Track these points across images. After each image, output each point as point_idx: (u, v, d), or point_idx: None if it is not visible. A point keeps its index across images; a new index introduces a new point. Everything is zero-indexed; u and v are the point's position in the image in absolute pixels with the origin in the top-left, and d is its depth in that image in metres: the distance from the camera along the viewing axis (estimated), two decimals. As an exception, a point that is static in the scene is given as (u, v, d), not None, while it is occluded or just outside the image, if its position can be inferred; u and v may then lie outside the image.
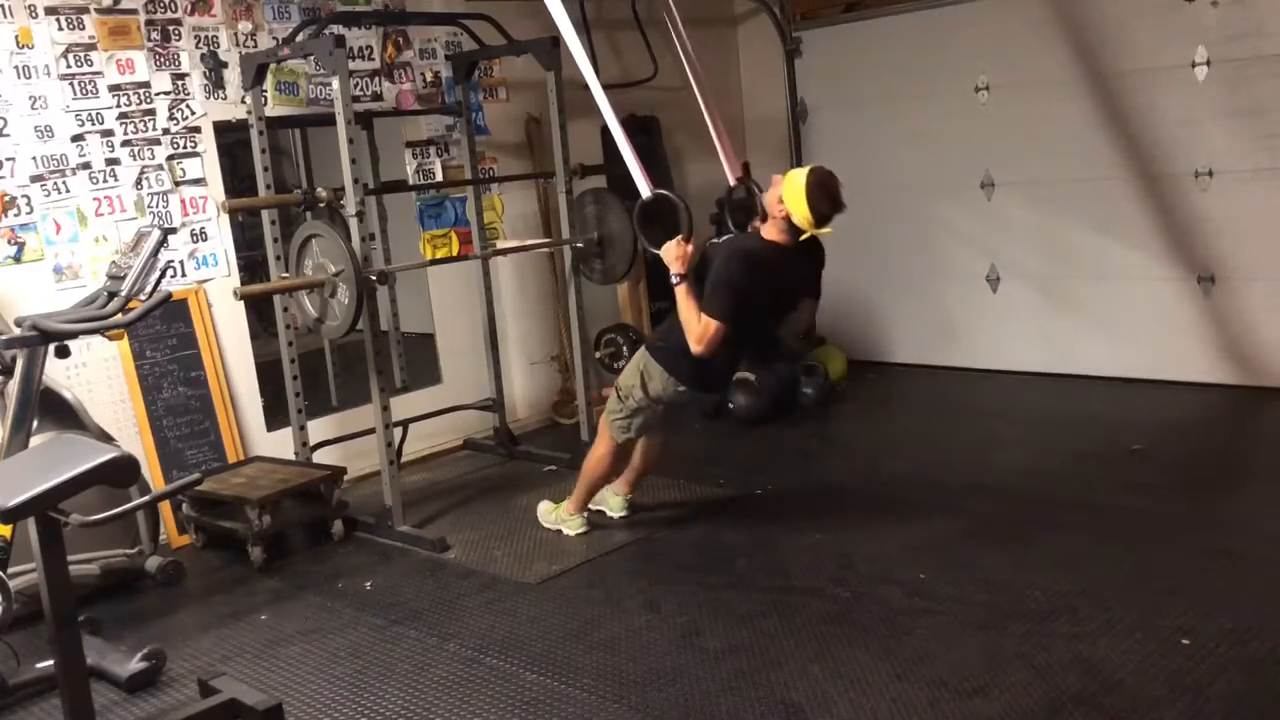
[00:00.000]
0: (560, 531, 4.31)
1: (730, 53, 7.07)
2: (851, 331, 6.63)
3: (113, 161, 4.47)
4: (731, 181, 4.28)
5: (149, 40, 4.55)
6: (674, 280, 3.76)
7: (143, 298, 3.44)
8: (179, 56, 4.64)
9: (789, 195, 3.63)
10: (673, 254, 3.76)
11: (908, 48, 6.25)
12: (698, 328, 3.68)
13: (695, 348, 3.70)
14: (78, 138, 4.39)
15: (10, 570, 3.38)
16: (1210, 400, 5.40)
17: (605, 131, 6.00)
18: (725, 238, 4.01)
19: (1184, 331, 5.59)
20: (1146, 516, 4.00)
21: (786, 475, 4.83)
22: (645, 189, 3.92)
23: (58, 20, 4.32)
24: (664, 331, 4.04)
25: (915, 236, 6.48)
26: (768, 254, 3.75)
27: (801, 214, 3.61)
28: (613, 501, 4.40)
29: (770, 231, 3.77)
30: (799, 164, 6.84)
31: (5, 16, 4.20)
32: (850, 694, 2.93)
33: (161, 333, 4.61)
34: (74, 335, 3.39)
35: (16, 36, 4.23)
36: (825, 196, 3.61)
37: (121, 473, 2.55)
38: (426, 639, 3.52)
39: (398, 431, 4.61)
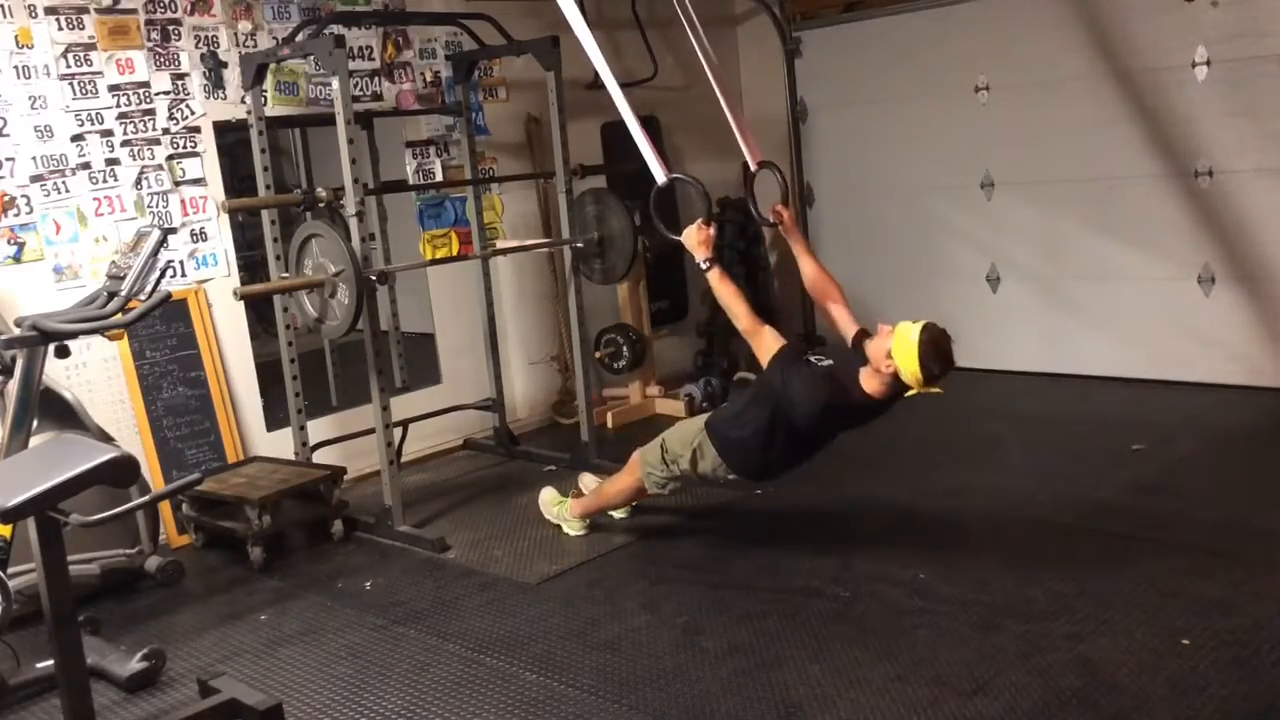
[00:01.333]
0: (559, 528, 4.30)
1: (730, 53, 7.06)
2: (851, 331, 6.62)
3: (113, 161, 4.47)
4: (753, 165, 4.10)
5: (149, 40, 4.55)
6: (703, 266, 3.67)
7: (143, 298, 3.43)
8: (179, 56, 4.64)
9: (899, 352, 3.35)
10: (695, 239, 3.69)
11: (908, 48, 6.25)
12: (746, 320, 3.60)
13: (740, 327, 3.63)
14: (77, 138, 4.39)
15: (10, 570, 3.37)
16: (1211, 400, 5.40)
17: (605, 131, 6.06)
18: (830, 364, 3.70)
19: (1184, 331, 5.59)
20: (1147, 516, 3.99)
21: (786, 476, 4.82)
22: (660, 175, 3.83)
23: (57, 20, 4.32)
24: (729, 419, 3.84)
25: (915, 236, 6.48)
26: (856, 407, 3.56)
27: (911, 373, 3.35)
28: (613, 502, 4.39)
29: (872, 383, 3.50)
30: (798, 164, 6.89)
31: (5, 16, 4.20)
32: (850, 694, 2.93)
33: (161, 333, 4.61)
34: (74, 335, 3.38)
35: (16, 36, 4.23)
36: (939, 357, 3.36)
37: (121, 473, 2.55)
38: (426, 639, 3.51)
39: (398, 431, 4.61)
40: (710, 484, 4.01)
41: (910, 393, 3.46)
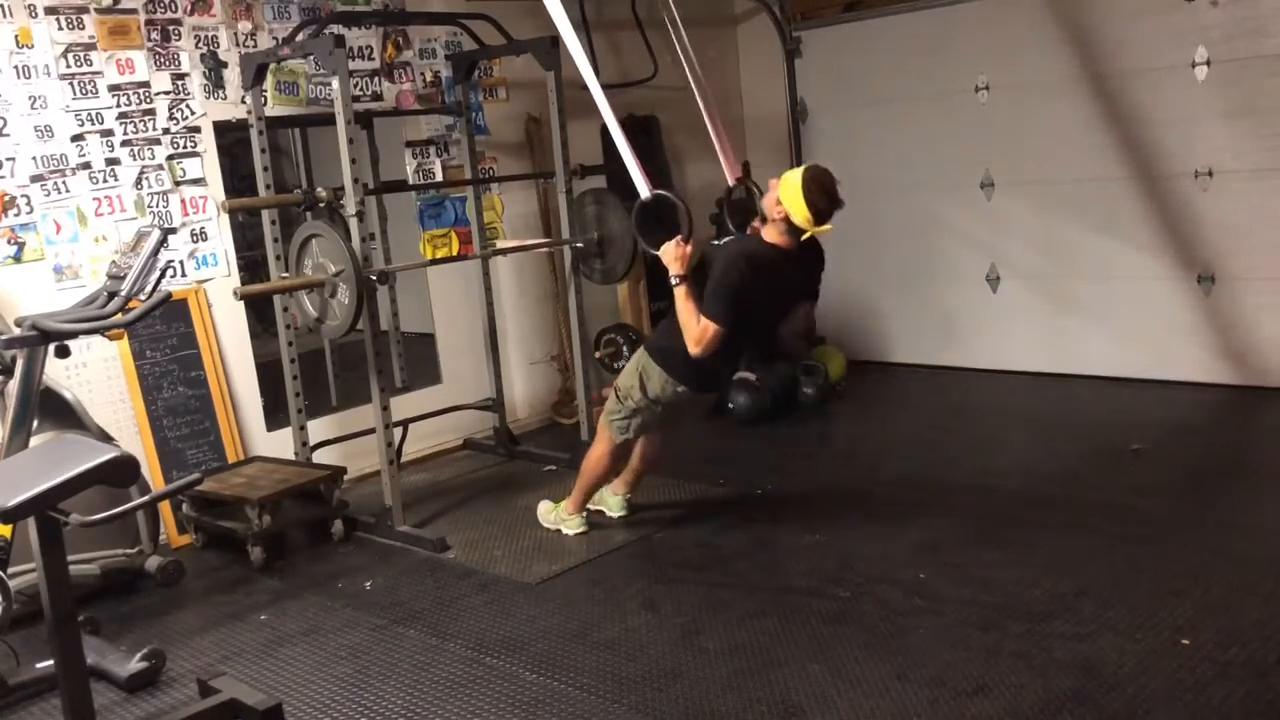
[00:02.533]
0: (560, 531, 4.31)
1: (730, 53, 7.07)
2: (851, 331, 6.63)
3: (113, 161, 4.47)
4: (730, 182, 4.27)
5: (149, 40, 4.55)
6: (673, 281, 3.75)
7: (143, 298, 3.44)
8: (179, 56, 4.64)
9: (786, 195, 3.61)
10: (672, 254, 3.75)
11: (908, 48, 6.25)
12: (696, 329, 3.67)
13: (693, 349, 3.69)
14: (78, 138, 4.39)
15: (10, 570, 3.37)
16: (1210, 400, 5.40)
17: (605, 131, 6.03)
18: (726, 240, 3.99)
19: (1184, 331, 5.59)
20: (1147, 516, 4.00)
21: (786, 475, 4.83)
22: (644, 189, 3.90)
23: (57, 20, 4.32)
24: (662, 332, 4.02)
25: (915, 236, 6.48)
26: (768, 257, 3.73)
27: (800, 213, 3.58)
28: (611, 501, 4.40)
29: (771, 234, 3.74)
30: (798, 164, 6.84)
31: (5, 16, 4.20)
32: (850, 694, 2.93)
33: (161, 333, 4.61)
34: (74, 335, 3.39)
35: (16, 36, 4.23)
36: (822, 193, 3.58)
37: (121, 473, 2.55)
38: (426, 639, 3.52)
39: (398, 431, 4.61)
40: (668, 408, 4.01)
41: (805, 235, 3.63)
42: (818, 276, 3.94)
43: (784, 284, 3.82)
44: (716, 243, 3.97)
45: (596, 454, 4.18)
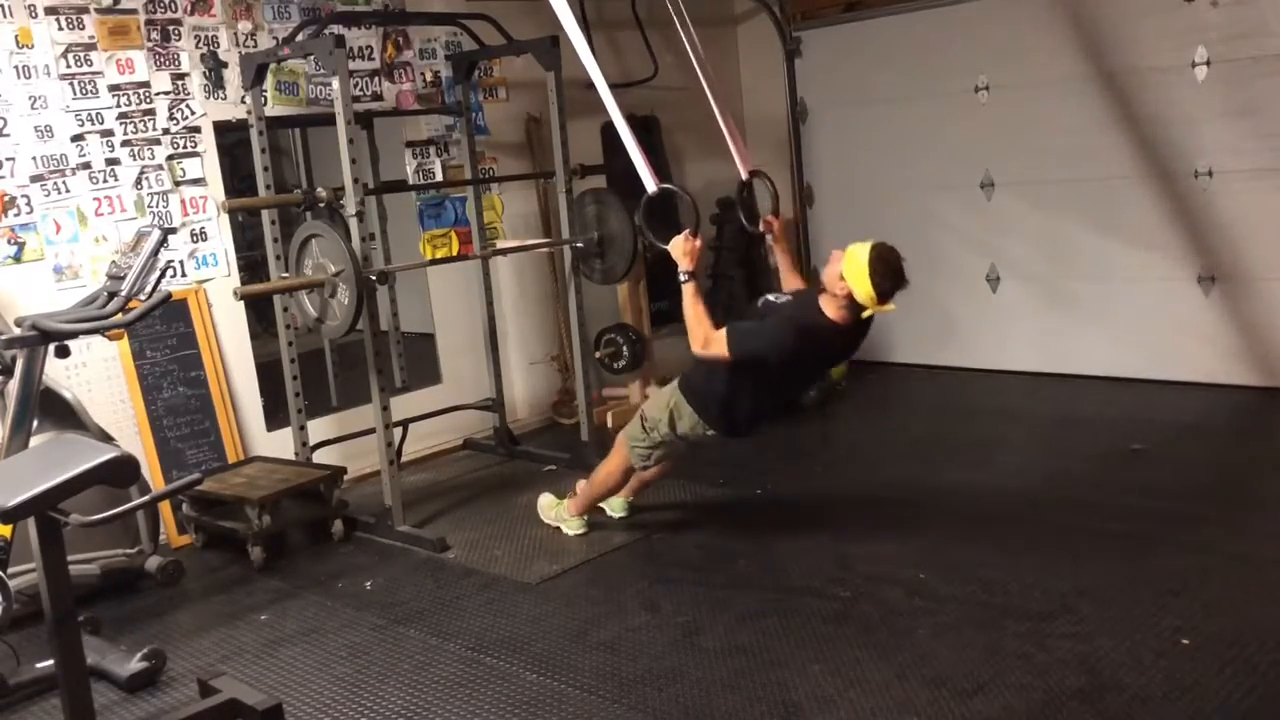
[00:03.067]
0: (559, 529, 4.30)
1: (730, 53, 7.06)
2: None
3: (113, 161, 4.47)
4: (744, 175, 4.16)
5: (149, 40, 4.55)
6: (682, 278, 3.71)
7: (143, 298, 3.43)
8: (179, 56, 4.64)
9: (850, 273, 3.45)
10: (680, 249, 3.71)
11: (908, 48, 6.25)
12: (701, 332, 3.62)
13: (694, 348, 3.66)
14: (78, 138, 4.39)
15: (10, 570, 3.37)
16: (1211, 400, 5.40)
17: (605, 131, 6.05)
18: (786, 300, 3.81)
19: (1184, 331, 5.59)
20: (1147, 516, 3.99)
21: (786, 475, 4.83)
22: (650, 183, 3.85)
23: (58, 20, 4.32)
24: (699, 373, 3.89)
25: (915, 236, 6.43)
26: (823, 332, 3.62)
27: (865, 292, 3.44)
28: (613, 502, 4.39)
29: (831, 308, 3.58)
30: (798, 164, 6.89)
31: (5, 16, 4.20)
32: (850, 694, 2.93)
33: (161, 333, 4.61)
34: (74, 335, 3.39)
35: (16, 36, 4.23)
36: (889, 273, 3.44)
37: (121, 473, 2.55)
38: (426, 639, 3.52)
39: (398, 431, 4.61)
40: (693, 445, 4.01)
41: (867, 313, 3.53)
42: (859, 345, 3.80)
43: (825, 355, 3.76)
44: (775, 299, 3.82)
45: (609, 469, 4.13)
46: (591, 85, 3.98)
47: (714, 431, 3.87)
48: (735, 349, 3.60)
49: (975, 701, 2.84)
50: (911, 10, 6.20)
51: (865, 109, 6.53)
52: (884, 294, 3.46)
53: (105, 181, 4.46)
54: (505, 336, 5.75)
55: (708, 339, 3.64)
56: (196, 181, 4.70)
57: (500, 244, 5.57)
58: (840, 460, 5.14)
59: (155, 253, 3.43)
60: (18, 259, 4.26)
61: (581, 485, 4.45)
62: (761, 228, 4.05)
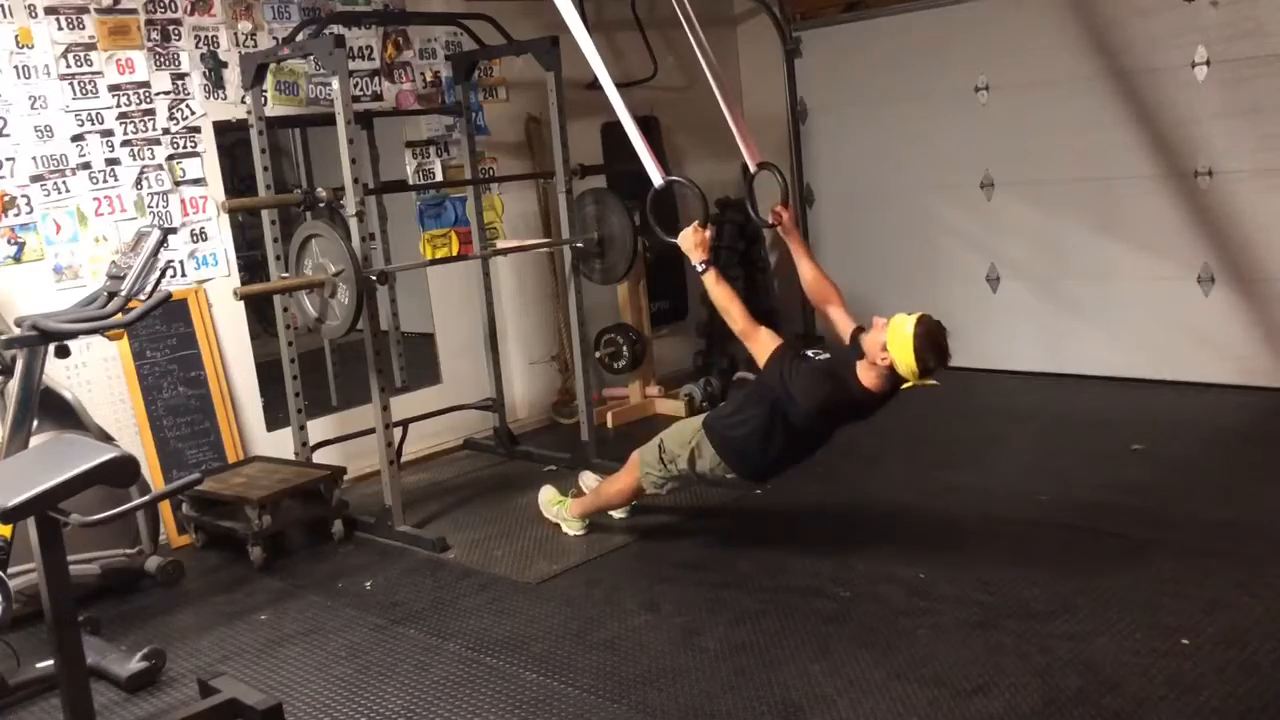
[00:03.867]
0: (558, 527, 4.30)
1: (730, 53, 7.06)
2: (851, 331, 6.62)
3: (113, 161, 4.47)
4: (753, 167, 4.12)
5: (149, 40, 4.55)
6: (700, 269, 3.68)
7: (143, 298, 3.43)
8: (179, 56, 4.64)
9: (894, 345, 3.38)
10: (691, 241, 3.70)
11: (908, 48, 6.25)
12: (741, 320, 3.59)
13: (735, 330, 3.63)
14: (78, 138, 4.39)
15: (10, 570, 3.37)
16: (1211, 400, 5.40)
17: (605, 131, 6.06)
18: (827, 358, 3.71)
19: (1184, 331, 5.59)
20: (1147, 517, 3.99)
21: (786, 475, 4.81)
22: (657, 177, 3.83)
23: (58, 20, 4.32)
24: (726, 417, 3.84)
25: (915, 236, 6.48)
26: (856, 398, 3.57)
27: (907, 365, 3.37)
28: (614, 502, 4.39)
29: (868, 377, 3.52)
30: (798, 164, 6.89)
31: (5, 16, 4.20)
32: (850, 694, 2.93)
33: (161, 333, 4.61)
34: (74, 335, 3.38)
35: (16, 36, 4.23)
36: (934, 350, 3.38)
37: (121, 473, 2.55)
38: (426, 639, 3.51)
39: (398, 431, 4.60)
40: (709, 483, 4.01)
41: (907, 385, 3.46)
42: (886, 404, 3.72)
43: (853, 418, 3.70)
44: (811, 354, 3.74)
45: (620, 487, 4.11)
46: (592, 85, 3.99)
47: (733, 475, 3.84)
48: (769, 368, 3.56)
49: (975, 701, 2.84)
50: (911, 10, 6.21)
51: (865, 109, 6.53)
52: (927, 370, 3.39)
53: (105, 181, 4.46)
54: (505, 336, 5.75)
55: (749, 330, 3.61)
56: (196, 181, 4.70)
57: (500, 244, 5.57)
58: (840, 460, 5.12)
59: (155, 253, 3.43)
60: (18, 259, 4.26)
61: (586, 480, 4.45)
62: (770, 219, 4.02)
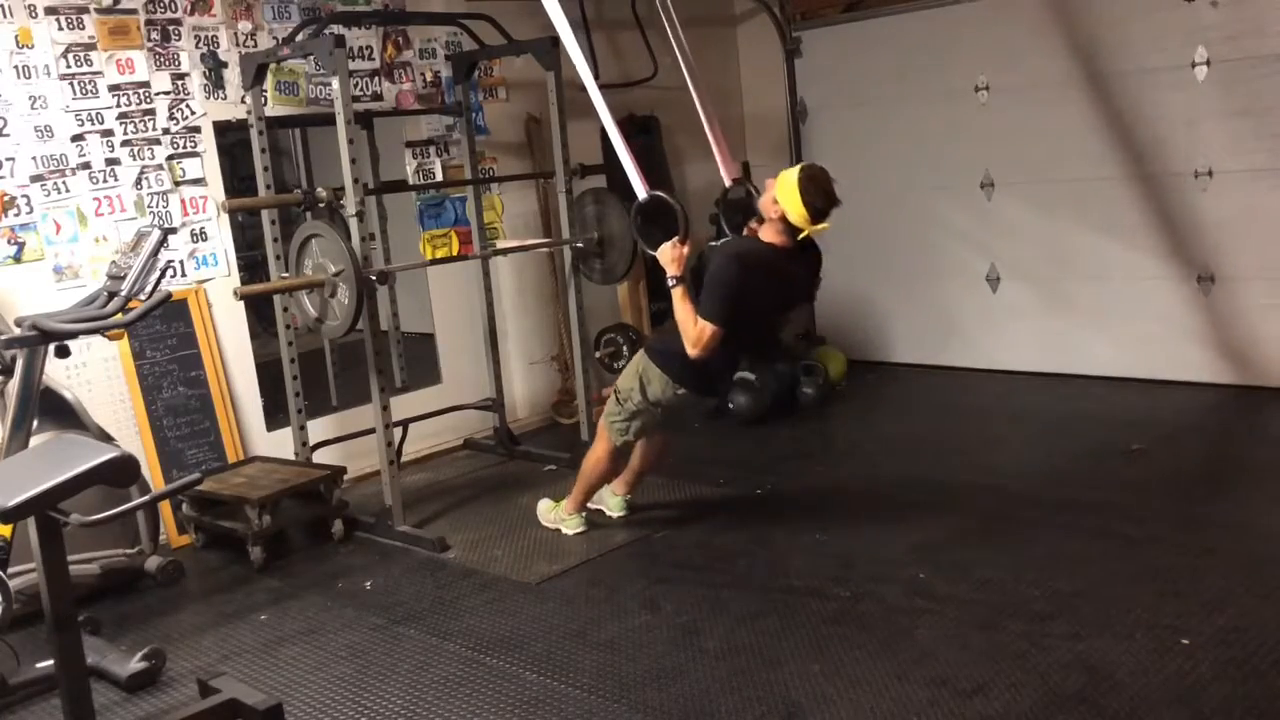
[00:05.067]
0: (559, 530, 4.31)
1: (730, 53, 7.07)
2: (851, 331, 6.63)
3: (113, 161, 4.47)
4: (728, 182, 4.23)
5: (149, 40, 4.55)
6: (670, 283, 3.74)
7: (143, 298, 3.43)
8: (179, 56, 4.64)
9: (782, 194, 3.61)
10: (669, 256, 3.75)
11: (908, 48, 6.25)
12: (694, 331, 3.66)
13: (692, 351, 3.68)
14: (78, 138, 4.39)
15: (10, 570, 3.37)
16: (1210, 400, 5.40)
17: (605, 131, 6.04)
18: (723, 240, 3.98)
19: (1184, 331, 5.59)
20: (1146, 516, 3.99)
21: (786, 475, 4.83)
22: (641, 191, 3.91)
23: (58, 20, 4.32)
24: (662, 334, 4.00)
25: (915, 236, 6.48)
26: (766, 256, 3.73)
27: (797, 211, 3.59)
28: (611, 501, 4.40)
29: (768, 234, 3.74)
30: (798, 164, 6.88)
31: (5, 16, 4.20)
32: (850, 694, 2.93)
33: (161, 333, 4.61)
34: (74, 335, 3.38)
35: (16, 36, 4.23)
36: (819, 191, 3.59)
37: (121, 473, 2.55)
38: (426, 639, 3.52)
39: (398, 431, 4.61)
40: (670, 408, 3.99)
41: (803, 234, 3.63)
42: (815, 278, 3.93)
43: (781, 283, 3.82)
44: (714, 244, 3.96)
45: (596, 455, 4.17)
46: (592, 85, 4.00)
47: (685, 390, 3.91)
48: (713, 317, 3.63)
49: (975, 701, 2.84)
50: (911, 10, 6.20)
51: (865, 109, 6.53)
52: (817, 212, 3.59)
53: (105, 181, 4.46)
54: (505, 336, 5.75)
55: (699, 335, 3.66)
56: (196, 181, 4.70)
57: (500, 244, 5.57)
58: (840, 460, 5.14)
59: (155, 253, 3.43)
60: (18, 259, 4.26)
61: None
62: (745, 234, 4.06)
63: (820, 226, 3.63)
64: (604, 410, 4.14)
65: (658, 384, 3.91)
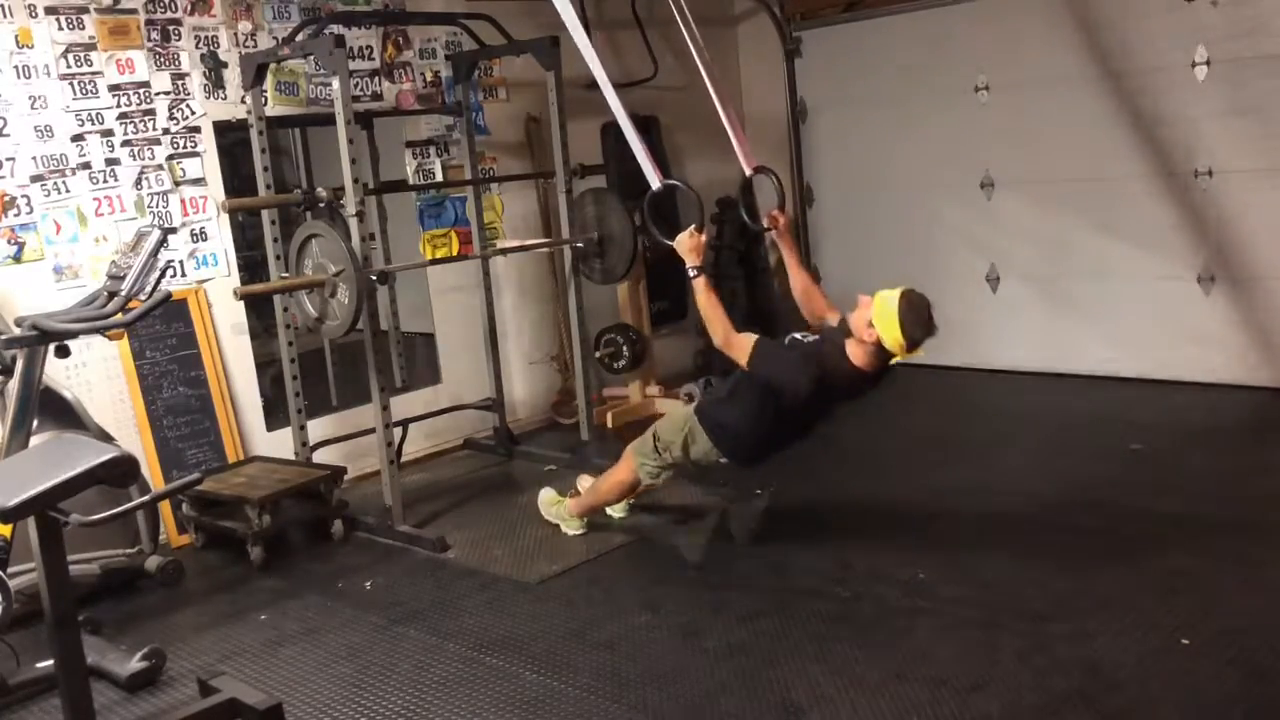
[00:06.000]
0: (558, 527, 4.30)
1: (730, 53, 7.07)
2: (851, 331, 6.62)
3: (113, 161, 4.47)
4: (748, 171, 4.15)
5: (149, 40, 4.55)
6: (691, 273, 3.71)
7: (143, 297, 3.44)
8: (179, 56, 4.64)
9: (880, 320, 3.46)
10: (687, 245, 3.72)
11: (908, 48, 6.25)
12: (721, 328, 3.62)
13: (715, 341, 3.65)
14: (78, 138, 4.39)
15: (10, 570, 3.37)
16: (1211, 400, 5.40)
17: (605, 131, 6.06)
18: (813, 339, 3.78)
19: (1184, 331, 5.58)
20: (1146, 516, 3.99)
21: (787, 476, 4.81)
22: (655, 180, 3.86)
23: (58, 20, 4.32)
24: (717, 402, 3.90)
25: (915, 236, 6.47)
26: (846, 378, 3.62)
27: (893, 339, 3.45)
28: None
29: (856, 354, 3.58)
30: (798, 164, 6.89)
31: (5, 16, 4.20)
32: (850, 694, 2.93)
33: (161, 332, 4.61)
34: (74, 335, 3.39)
35: (16, 36, 4.23)
36: (918, 323, 3.46)
37: (121, 473, 2.54)
38: (426, 639, 3.52)
39: (398, 431, 4.61)
40: (703, 469, 4.02)
41: (895, 360, 3.53)
42: (879, 385, 3.79)
43: (844, 398, 3.74)
44: (799, 336, 3.81)
45: (617, 479, 4.12)
46: (591, 85, 3.98)
47: (725, 459, 3.87)
48: (754, 364, 3.59)
49: (975, 701, 2.83)
50: (911, 10, 6.20)
51: (865, 109, 6.53)
52: (914, 343, 3.46)
53: (105, 181, 4.46)
54: (505, 336, 5.75)
55: (728, 339, 3.63)
56: (196, 181, 4.70)
57: (500, 244, 5.57)
58: (840, 460, 5.13)
59: (155, 253, 3.43)
60: (18, 259, 4.26)
61: (583, 483, 4.45)
62: (766, 223, 4.04)
63: (916, 355, 3.51)
64: (636, 446, 4.03)
65: (702, 447, 3.85)
